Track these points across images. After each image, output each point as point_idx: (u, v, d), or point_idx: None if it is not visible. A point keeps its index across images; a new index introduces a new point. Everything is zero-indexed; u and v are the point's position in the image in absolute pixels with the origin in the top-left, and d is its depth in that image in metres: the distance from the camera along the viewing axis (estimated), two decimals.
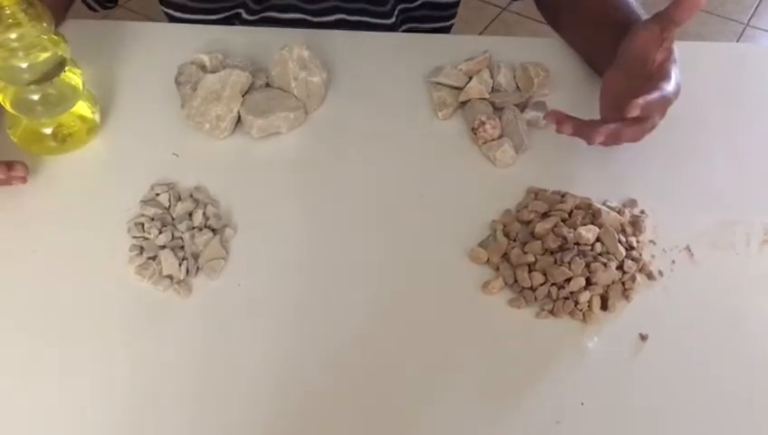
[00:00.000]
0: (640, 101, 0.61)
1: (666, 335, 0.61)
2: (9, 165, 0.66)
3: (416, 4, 0.92)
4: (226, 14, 0.90)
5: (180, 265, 0.63)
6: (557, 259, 0.63)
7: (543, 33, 0.91)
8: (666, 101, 0.65)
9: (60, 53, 0.67)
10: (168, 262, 0.63)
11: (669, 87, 0.65)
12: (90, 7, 0.91)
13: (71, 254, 0.65)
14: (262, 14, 0.90)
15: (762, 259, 0.67)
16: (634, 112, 0.61)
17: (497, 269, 0.65)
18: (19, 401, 0.57)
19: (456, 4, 0.96)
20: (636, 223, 0.67)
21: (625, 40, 0.69)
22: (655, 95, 0.63)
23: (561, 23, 0.88)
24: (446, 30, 0.99)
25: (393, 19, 0.91)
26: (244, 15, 0.90)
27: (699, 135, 0.78)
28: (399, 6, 0.91)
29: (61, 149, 0.73)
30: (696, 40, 0.86)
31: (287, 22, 0.90)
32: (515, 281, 0.64)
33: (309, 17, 0.90)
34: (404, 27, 0.94)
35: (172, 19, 0.92)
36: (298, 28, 0.89)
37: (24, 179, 0.67)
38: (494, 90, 0.79)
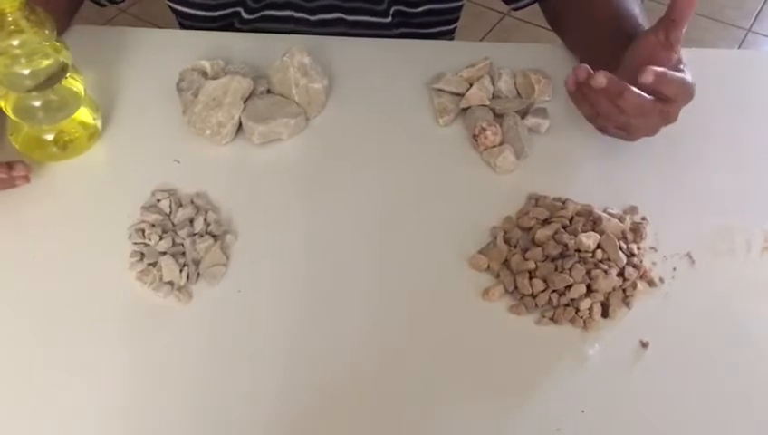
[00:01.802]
0: (658, 69, 0.60)
1: (667, 342, 0.61)
2: (10, 165, 0.66)
3: (419, 9, 0.92)
4: (227, 10, 0.91)
5: (181, 271, 0.63)
6: (558, 266, 0.63)
7: (545, 40, 0.91)
8: (686, 85, 0.64)
9: (61, 60, 0.68)
10: (169, 268, 0.63)
11: (688, 76, 0.64)
12: (96, 2, 0.91)
13: (71, 260, 0.65)
14: (261, 13, 0.91)
15: (762, 266, 0.67)
16: (648, 78, 0.60)
17: (498, 276, 0.65)
18: (19, 406, 0.57)
19: (459, 9, 0.96)
20: (637, 230, 0.67)
21: (631, 47, 0.69)
22: (676, 74, 0.63)
23: (564, 27, 0.88)
24: (450, 33, 0.99)
25: (389, 18, 0.92)
26: (244, 14, 0.91)
27: (700, 142, 0.78)
28: (394, 8, 0.91)
29: (62, 156, 0.73)
30: (697, 46, 0.86)
31: (285, 19, 0.91)
32: (516, 288, 0.63)
33: (307, 16, 0.91)
34: (401, 30, 0.94)
35: (175, 13, 0.93)
36: (297, 27, 0.90)
37: (26, 178, 0.67)
38: (494, 96, 0.79)
